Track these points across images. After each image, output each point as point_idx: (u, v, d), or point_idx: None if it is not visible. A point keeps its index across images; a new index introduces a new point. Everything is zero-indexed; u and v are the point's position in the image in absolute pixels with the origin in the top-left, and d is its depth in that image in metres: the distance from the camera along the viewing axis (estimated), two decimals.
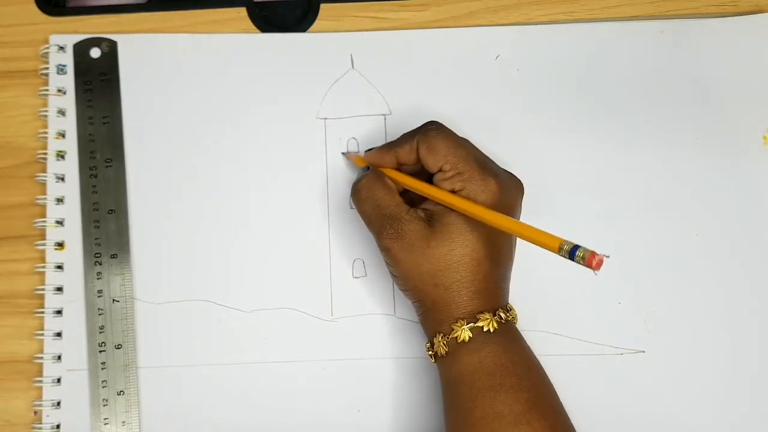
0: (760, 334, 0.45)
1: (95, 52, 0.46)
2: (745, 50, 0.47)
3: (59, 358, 0.44)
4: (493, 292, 0.39)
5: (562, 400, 0.38)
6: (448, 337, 0.38)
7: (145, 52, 0.47)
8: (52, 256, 0.45)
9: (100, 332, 0.44)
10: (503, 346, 0.37)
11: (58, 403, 0.43)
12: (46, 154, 0.45)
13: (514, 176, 0.41)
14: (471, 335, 0.37)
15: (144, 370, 0.44)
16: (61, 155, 0.45)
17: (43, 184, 0.45)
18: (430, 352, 0.39)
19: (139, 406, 0.43)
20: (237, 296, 0.45)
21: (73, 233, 0.45)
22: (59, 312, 0.44)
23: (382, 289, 0.45)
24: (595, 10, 0.48)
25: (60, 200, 0.45)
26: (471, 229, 0.38)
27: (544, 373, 0.39)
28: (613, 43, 0.47)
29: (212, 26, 0.47)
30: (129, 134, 0.46)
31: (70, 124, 0.46)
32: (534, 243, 0.34)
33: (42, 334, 0.44)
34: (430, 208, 0.39)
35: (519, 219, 0.41)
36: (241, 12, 0.47)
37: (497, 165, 0.40)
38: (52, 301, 0.44)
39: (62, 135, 0.46)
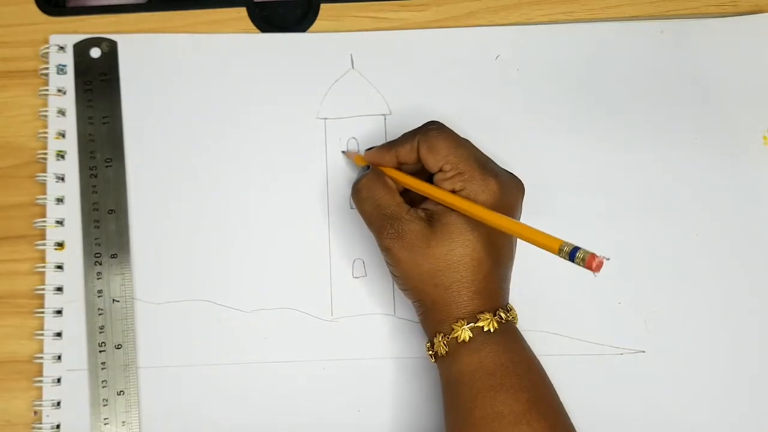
0: (760, 334, 0.45)
1: (95, 52, 0.46)
2: (745, 50, 0.47)
3: (59, 358, 0.44)
4: (493, 292, 0.39)
5: (562, 400, 0.38)
6: (448, 337, 0.38)
7: (145, 52, 0.47)
8: (52, 256, 0.45)
9: (100, 332, 0.44)
10: (503, 346, 0.37)
11: (58, 403, 0.43)
12: (46, 154, 0.45)
13: (515, 176, 0.41)
14: (471, 335, 0.37)
15: (144, 370, 0.44)
16: (61, 155, 0.45)
17: (43, 184, 0.45)
18: (430, 352, 0.39)
19: (139, 406, 0.43)
20: (237, 296, 0.45)
21: (73, 233, 0.45)
22: (59, 312, 0.44)
23: (382, 289, 0.45)
24: (595, 10, 0.48)
25: (60, 200, 0.45)
26: (471, 229, 0.38)
27: (545, 373, 0.39)
28: (613, 43, 0.47)
29: (212, 26, 0.47)
30: (129, 134, 0.46)
31: (70, 124, 0.46)
32: (534, 244, 0.34)
33: (42, 334, 0.44)
34: (430, 207, 0.39)
35: (519, 219, 0.41)
36: (241, 12, 0.47)
37: (498, 165, 0.40)
38: (52, 301, 0.44)
39: (62, 135, 0.46)
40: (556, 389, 0.39)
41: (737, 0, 0.48)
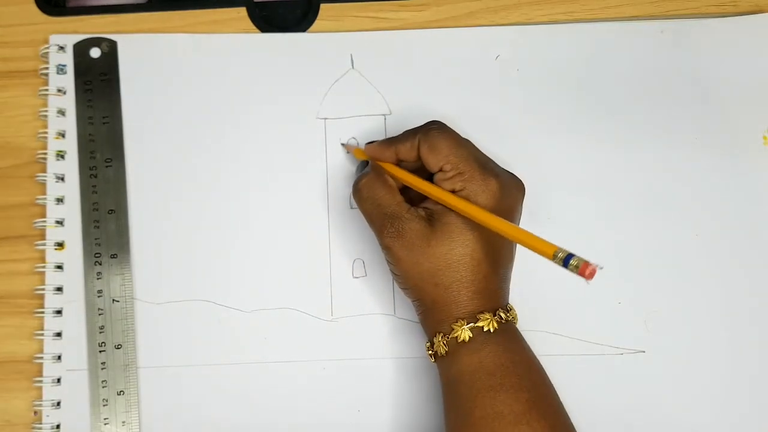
0: (760, 334, 0.45)
1: (95, 52, 0.46)
2: (745, 50, 0.47)
3: (59, 358, 0.44)
4: (493, 292, 0.39)
5: (562, 400, 0.38)
6: (448, 337, 0.38)
7: (145, 52, 0.47)
8: (52, 256, 0.45)
9: (100, 332, 0.44)
10: (503, 346, 0.37)
11: (58, 403, 0.43)
12: (46, 154, 0.45)
13: (516, 177, 0.41)
14: (471, 335, 0.37)
15: (144, 370, 0.44)
16: (61, 155, 0.45)
17: (43, 184, 0.45)
18: (430, 352, 0.39)
19: (139, 406, 0.43)
20: (237, 296, 0.45)
21: (73, 233, 0.45)
22: (59, 312, 0.44)
23: (382, 289, 0.45)
24: (595, 10, 0.48)
25: (60, 200, 0.45)
26: (471, 229, 0.38)
27: (545, 373, 0.39)
28: (613, 43, 0.47)
29: (212, 26, 0.47)
30: (129, 134, 0.46)
31: (70, 124, 0.46)
32: (529, 248, 0.34)
33: (42, 334, 0.44)
34: (430, 207, 0.39)
35: (520, 219, 0.41)
36: (241, 12, 0.47)
37: (498, 165, 0.40)
38: (52, 301, 0.44)
39: (62, 135, 0.46)
40: (556, 389, 0.39)
41: (737, 0, 0.48)
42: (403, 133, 0.41)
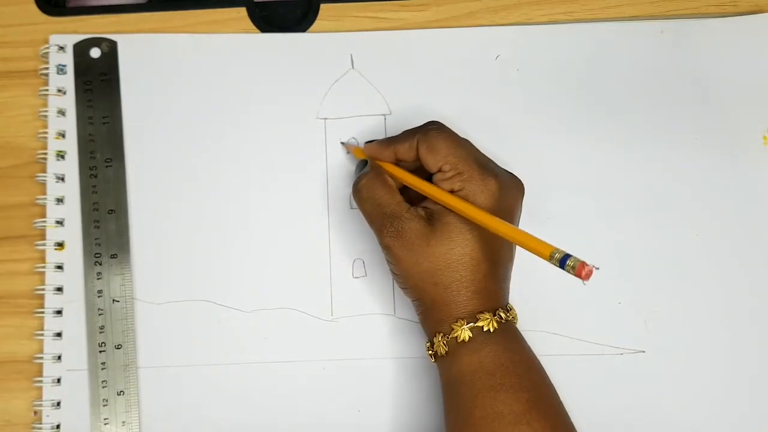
0: (760, 334, 0.45)
1: (95, 52, 0.46)
2: (745, 50, 0.47)
3: (59, 358, 0.44)
4: (493, 291, 0.39)
5: (562, 399, 0.38)
6: (448, 337, 0.38)
7: (145, 52, 0.47)
8: (52, 256, 0.45)
9: (100, 332, 0.44)
10: (503, 346, 0.37)
11: (58, 403, 0.43)
12: (46, 154, 0.45)
13: (515, 177, 0.41)
14: (471, 335, 0.37)
15: (144, 370, 0.44)
16: (61, 155, 0.45)
17: (43, 184, 0.45)
18: (430, 352, 0.39)
19: (139, 406, 0.43)
20: (237, 296, 0.45)
21: (73, 233, 0.45)
22: (59, 312, 0.44)
23: (382, 289, 0.45)
24: (595, 10, 0.48)
25: (60, 200, 0.45)
26: (470, 229, 0.38)
27: (545, 373, 0.39)
28: (613, 43, 0.47)
29: (212, 26, 0.47)
30: (129, 134, 0.46)
31: (70, 124, 0.46)
32: (526, 249, 0.34)
33: (42, 334, 0.44)
34: (430, 206, 0.39)
35: (519, 219, 0.41)
36: (241, 12, 0.47)
37: (498, 165, 0.40)
38: (52, 301, 0.44)
39: (62, 135, 0.46)
40: (556, 389, 0.39)
41: (737, 0, 0.48)
42: (402, 133, 0.41)
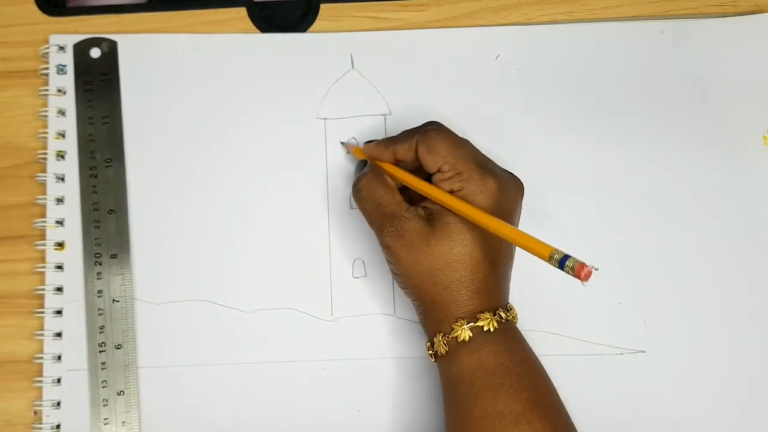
0: (760, 334, 0.45)
1: (95, 52, 0.46)
2: (745, 50, 0.47)
3: (59, 358, 0.44)
4: (493, 291, 0.39)
5: (562, 399, 0.38)
6: (448, 337, 0.38)
7: (145, 52, 0.47)
8: (52, 256, 0.45)
9: (100, 332, 0.44)
10: (503, 346, 0.37)
11: (58, 403, 0.43)
12: (46, 154, 0.45)
13: (515, 176, 0.41)
14: (471, 335, 0.37)
15: (144, 370, 0.44)
16: (61, 155, 0.45)
17: (43, 184, 0.45)
18: (430, 352, 0.39)
19: (139, 406, 0.43)
20: (237, 296, 0.45)
21: (73, 233, 0.45)
22: (59, 312, 0.44)
23: (382, 289, 0.45)
24: (595, 10, 0.48)
25: (60, 200, 0.45)
26: (470, 229, 0.38)
27: (545, 372, 0.39)
28: (613, 43, 0.47)
29: (212, 26, 0.47)
30: (129, 134, 0.46)
31: (70, 124, 0.46)
32: (525, 249, 0.34)
33: (42, 334, 0.44)
34: (430, 206, 0.39)
35: (519, 219, 0.41)
36: (241, 12, 0.47)
37: (497, 165, 0.40)
38: (52, 301, 0.44)
39: (62, 135, 0.46)
40: (556, 389, 0.39)
41: (737, 0, 0.48)
42: (402, 133, 0.41)
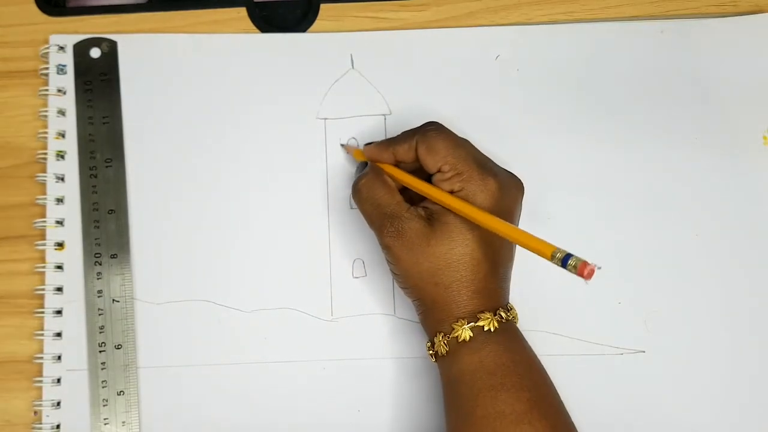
0: (760, 334, 0.45)
1: (95, 52, 0.46)
2: (745, 50, 0.47)
3: (59, 358, 0.44)
4: (493, 291, 0.39)
5: (562, 399, 0.38)
6: (448, 337, 0.38)
7: (145, 52, 0.47)
8: (52, 256, 0.45)
9: (100, 332, 0.44)
10: (504, 346, 0.37)
11: (58, 403, 0.43)
12: (46, 154, 0.45)
13: (515, 176, 0.41)
14: (472, 335, 0.37)
15: (144, 370, 0.44)
16: (61, 155, 0.45)
17: (43, 184, 0.45)
18: (431, 352, 0.39)
19: (139, 406, 0.43)
20: (237, 296, 0.45)
21: (73, 233, 0.45)
22: (59, 312, 0.44)
23: (382, 289, 0.45)
24: (595, 10, 0.48)
25: (60, 200, 0.45)
26: (470, 229, 0.38)
27: (545, 372, 0.39)
28: (613, 43, 0.47)
29: (212, 26, 0.47)
30: (129, 134, 0.46)
31: (70, 124, 0.46)
32: (527, 249, 0.34)
33: (42, 334, 0.44)
34: (430, 206, 0.39)
35: (519, 219, 0.41)
36: (241, 12, 0.47)
37: (497, 165, 0.40)
38: (52, 301, 0.44)
39: (62, 135, 0.46)
40: (556, 389, 0.39)
41: (737, 0, 0.48)
42: (401, 134, 0.41)
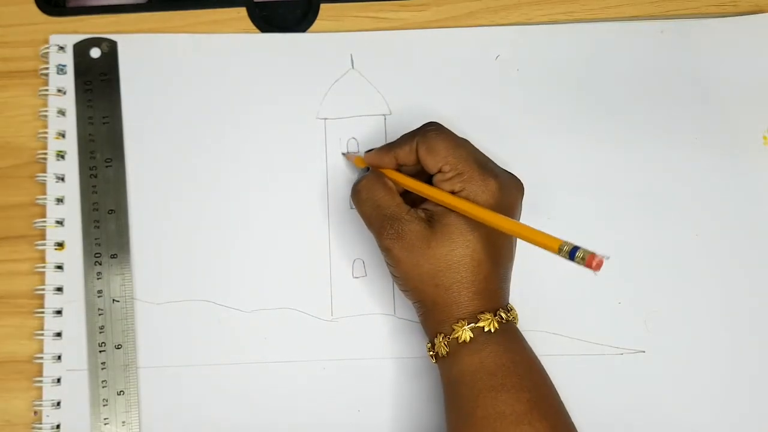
0: (760, 334, 0.45)
1: (95, 52, 0.46)
2: (745, 50, 0.47)
3: (59, 358, 0.44)
4: (493, 292, 0.39)
5: (562, 399, 0.38)
6: (449, 338, 0.38)
7: (145, 52, 0.47)
8: (52, 256, 0.45)
9: (100, 332, 0.44)
10: (504, 346, 0.37)
11: (58, 403, 0.43)
12: (46, 154, 0.45)
13: (515, 176, 0.41)
14: (472, 335, 0.37)
15: (144, 370, 0.44)
16: (61, 155, 0.45)
17: (43, 184, 0.45)
18: (431, 353, 0.39)
19: (139, 406, 0.43)
20: (237, 296, 0.45)
21: (73, 233, 0.45)
22: (59, 312, 0.44)
23: (382, 289, 0.45)
24: (595, 10, 0.48)
25: (60, 200, 0.45)
26: (471, 230, 0.38)
27: (546, 373, 0.39)
28: (613, 43, 0.47)
29: (212, 26, 0.47)
30: (129, 134, 0.46)
31: (70, 124, 0.46)
32: (534, 244, 0.34)
33: (42, 334, 0.44)
34: (430, 208, 0.39)
35: (519, 219, 0.41)
36: (241, 12, 0.47)
37: (497, 165, 0.40)
38: (52, 301, 0.44)
39: (62, 135, 0.46)
40: (556, 389, 0.39)
41: (737, 0, 0.48)
42: (401, 137, 0.41)
